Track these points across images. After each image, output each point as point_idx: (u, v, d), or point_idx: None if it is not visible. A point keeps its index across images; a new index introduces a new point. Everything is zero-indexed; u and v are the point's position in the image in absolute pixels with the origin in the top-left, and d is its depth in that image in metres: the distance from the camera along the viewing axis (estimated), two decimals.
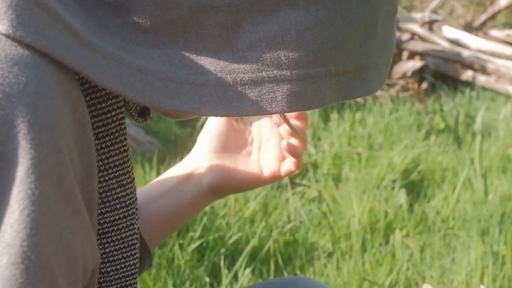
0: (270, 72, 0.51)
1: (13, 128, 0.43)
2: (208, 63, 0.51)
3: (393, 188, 2.82)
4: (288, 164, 0.87)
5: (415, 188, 2.92)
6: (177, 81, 0.51)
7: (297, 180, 3.04)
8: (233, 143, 0.91)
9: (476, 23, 5.15)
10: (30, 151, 0.43)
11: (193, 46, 0.52)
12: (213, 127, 0.90)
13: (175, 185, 0.90)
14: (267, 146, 0.90)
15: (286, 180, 2.93)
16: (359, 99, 4.25)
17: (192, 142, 3.37)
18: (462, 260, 2.18)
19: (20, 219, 0.42)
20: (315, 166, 3.15)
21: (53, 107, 0.45)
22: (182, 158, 2.95)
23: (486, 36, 4.99)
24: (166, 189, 0.90)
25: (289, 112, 0.53)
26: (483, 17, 5.13)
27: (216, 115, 0.51)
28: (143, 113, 0.67)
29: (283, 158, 0.88)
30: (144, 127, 3.27)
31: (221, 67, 0.51)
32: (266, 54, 0.51)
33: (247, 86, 0.51)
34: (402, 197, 2.73)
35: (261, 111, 0.52)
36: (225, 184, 0.88)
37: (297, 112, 0.87)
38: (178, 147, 3.13)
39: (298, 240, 2.44)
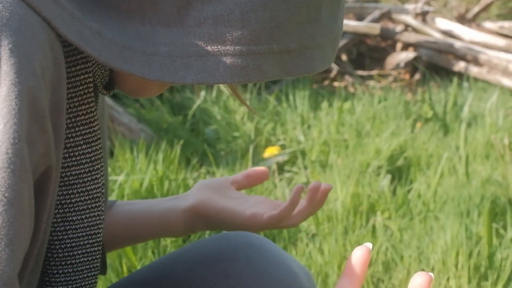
0: (215, 47, 0.58)
1: None
2: (160, 36, 0.58)
3: (378, 174, 2.88)
4: (275, 211, 0.89)
5: (401, 174, 2.98)
6: (131, 49, 0.58)
7: (287, 168, 3.11)
8: (228, 192, 0.95)
9: (469, 14, 5.19)
10: (10, 73, 0.50)
11: (148, 21, 0.59)
12: (212, 179, 0.97)
13: (155, 200, 0.96)
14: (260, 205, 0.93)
15: (273, 167, 3.00)
16: (351, 89, 4.31)
17: (184, 130, 3.41)
18: (439, 240, 2.24)
19: (4, 130, 0.49)
20: (303, 153, 3.21)
21: (33, 39, 0.52)
22: (171, 143, 2.96)
23: (479, 27, 5.04)
24: (145, 201, 0.96)
25: (230, 83, 0.59)
26: (476, 9, 5.18)
27: (163, 80, 0.58)
28: (108, 87, 0.73)
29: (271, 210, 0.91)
30: (137, 115, 3.34)
31: (171, 40, 0.58)
32: (212, 31, 0.58)
33: (193, 58, 0.58)
34: (386, 181, 2.79)
35: (205, 80, 0.58)
36: (203, 209, 0.91)
37: None
38: (170, 134, 3.19)
39: None
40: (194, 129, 3.40)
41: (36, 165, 0.54)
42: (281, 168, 3.07)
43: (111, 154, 2.80)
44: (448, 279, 2.14)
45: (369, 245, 0.56)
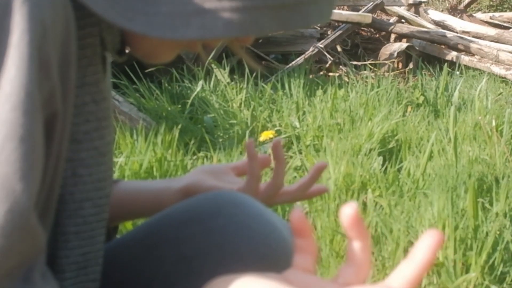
0: (212, 4, 0.63)
1: (10, 6, 0.55)
2: None
3: (370, 157, 2.97)
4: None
5: (392, 156, 3.07)
6: (133, 10, 0.63)
7: None
8: (226, 176, 1.01)
9: (461, 5, 5.29)
10: (21, 22, 0.56)
11: None
12: (211, 165, 1.04)
13: (152, 181, 1.02)
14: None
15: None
16: (345, 78, 4.41)
17: (182, 118, 3.50)
18: (427, 213, 2.34)
19: (16, 75, 0.55)
20: (298, 138, 3.31)
21: None
22: (170, 130, 3.04)
23: (471, 18, 5.14)
24: (143, 182, 1.03)
25: (229, 37, 0.65)
26: (467, 0, 5.28)
27: (164, 38, 0.63)
28: (121, 53, 0.79)
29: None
30: (137, 104, 3.44)
31: (172, 0, 0.63)
32: None
33: (192, 16, 0.63)
34: (378, 162, 2.88)
35: (204, 36, 0.63)
36: (195, 189, 0.96)
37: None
38: (169, 122, 3.29)
39: None
40: (192, 117, 3.49)
41: (42, 108, 0.59)
42: None
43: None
44: None
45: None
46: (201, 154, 3.03)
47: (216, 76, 3.96)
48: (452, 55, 4.67)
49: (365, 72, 4.62)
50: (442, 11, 5.28)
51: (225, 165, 1.03)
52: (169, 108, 3.42)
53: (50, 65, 0.58)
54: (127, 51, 0.79)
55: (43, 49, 0.57)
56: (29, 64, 0.55)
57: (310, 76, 4.37)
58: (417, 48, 4.77)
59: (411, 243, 2.28)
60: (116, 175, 2.47)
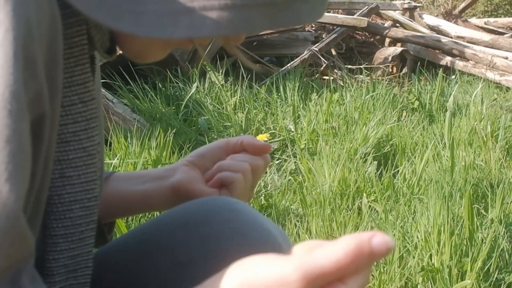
0: (201, 2, 0.61)
1: None
2: None
3: (365, 161, 2.96)
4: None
5: (387, 160, 3.07)
6: (121, 8, 0.62)
7: (277, 155, 3.19)
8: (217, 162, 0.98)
9: (456, 11, 5.30)
10: (5, 20, 0.54)
11: None
12: (202, 153, 1.00)
13: (142, 178, 0.98)
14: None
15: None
16: (340, 82, 4.40)
17: (177, 119, 3.47)
18: (423, 219, 2.33)
19: (0, 74, 0.53)
20: (293, 142, 3.30)
21: None
22: (164, 132, 3.01)
23: (465, 23, 5.14)
24: (132, 178, 0.98)
25: (218, 35, 0.63)
26: (462, 5, 5.29)
27: (152, 37, 0.62)
28: (110, 52, 0.77)
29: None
30: (131, 105, 3.42)
31: None
32: None
33: (180, 15, 0.61)
34: (373, 167, 2.87)
35: (192, 35, 0.62)
36: (184, 190, 0.94)
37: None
38: (163, 124, 3.27)
39: (272, 205, 2.59)
40: (186, 119, 3.48)
41: (28, 108, 0.57)
42: (271, 156, 3.15)
43: (106, 142, 2.87)
44: (430, 256, 2.22)
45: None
46: None
47: (210, 78, 3.94)
48: (446, 60, 4.68)
49: (360, 76, 4.61)
50: (437, 16, 5.29)
51: (217, 146, 0.99)
52: (164, 110, 3.40)
53: (36, 64, 0.57)
54: (118, 50, 0.78)
55: (29, 48, 0.55)
56: (13, 63, 0.53)
57: (305, 79, 4.36)
58: (412, 53, 4.77)
59: (406, 249, 2.27)
60: None
